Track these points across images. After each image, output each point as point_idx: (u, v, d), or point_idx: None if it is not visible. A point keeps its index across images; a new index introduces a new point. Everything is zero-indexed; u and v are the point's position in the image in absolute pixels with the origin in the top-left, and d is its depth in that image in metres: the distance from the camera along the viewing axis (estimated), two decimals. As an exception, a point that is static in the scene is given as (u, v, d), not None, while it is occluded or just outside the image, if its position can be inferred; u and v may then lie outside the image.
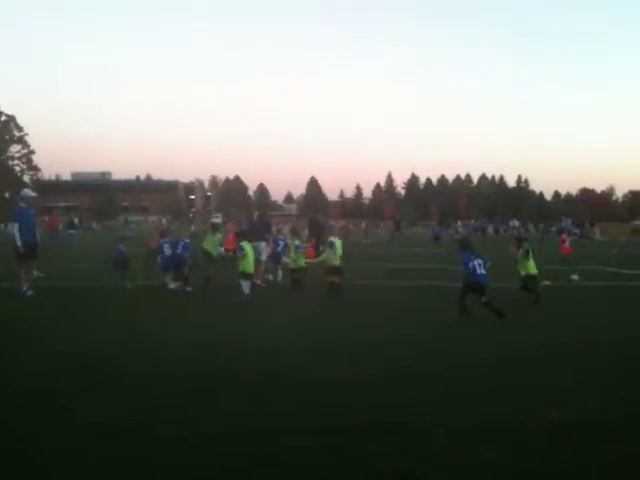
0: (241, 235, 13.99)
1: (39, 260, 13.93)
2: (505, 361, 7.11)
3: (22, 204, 13.52)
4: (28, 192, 14.27)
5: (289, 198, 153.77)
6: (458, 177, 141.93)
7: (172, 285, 13.72)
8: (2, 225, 65.35)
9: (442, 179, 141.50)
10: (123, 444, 4.43)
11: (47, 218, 34.30)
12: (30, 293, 12.52)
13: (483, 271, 10.20)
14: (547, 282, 14.89)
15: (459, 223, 70.52)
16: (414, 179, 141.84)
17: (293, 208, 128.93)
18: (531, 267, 12.31)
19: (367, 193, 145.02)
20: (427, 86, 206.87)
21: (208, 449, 4.32)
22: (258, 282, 14.60)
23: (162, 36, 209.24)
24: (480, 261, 10.25)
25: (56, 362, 6.90)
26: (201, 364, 6.78)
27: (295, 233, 15.57)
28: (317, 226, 26.40)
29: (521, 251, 12.47)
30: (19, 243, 12.80)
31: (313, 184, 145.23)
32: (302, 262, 14.23)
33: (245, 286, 12.29)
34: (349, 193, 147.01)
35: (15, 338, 8.22)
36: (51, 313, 10.33)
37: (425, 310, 10.90)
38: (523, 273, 12.28)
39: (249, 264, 12.58)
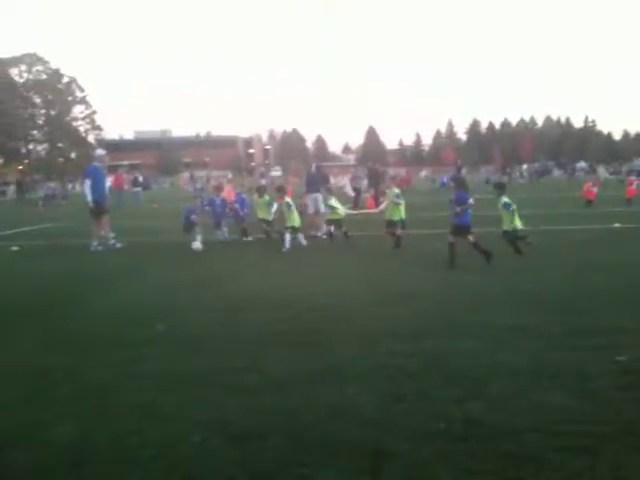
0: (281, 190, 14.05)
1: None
2: (569, 306, 6.94)
3: (95, 163, 14.00)
4: (101, 152, 14.76)
5: (347, 148, 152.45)
6: (522, 120, 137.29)
7: (197, 245, 12.87)
8: (70, 185, 67.51)
9: (505, 123, 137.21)
10: (191, 392, 4.59)
11: (112, 177, 35.23)
12: (100, 249, 13.05)
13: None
14: (617, 224, 14.45)
15: (524, 167, 68.31)
16: (476, 124, 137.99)
17: (351, 158, 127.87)
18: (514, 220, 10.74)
19: (427, 140, 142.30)
20: (487, 26, 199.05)
21: (278, 397, 4.44)
22: (318, 234, 14.65)
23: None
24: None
25: (125, 313, 7.23)
26: (269, 314, 6.92)
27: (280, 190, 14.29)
28: (376, 176, 26.16)
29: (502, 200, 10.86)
30: (89, 199, 13.33)
31: (371, 133, 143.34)
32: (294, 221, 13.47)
33: (287, 240, 12.60)
34: (408, 141, 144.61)
35: (86, 290, 8.58)
36: (120, 267, 10.72)
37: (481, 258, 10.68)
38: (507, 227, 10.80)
39: (293, 218, 13.22)
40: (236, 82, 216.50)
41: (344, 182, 39.10)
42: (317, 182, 16.30)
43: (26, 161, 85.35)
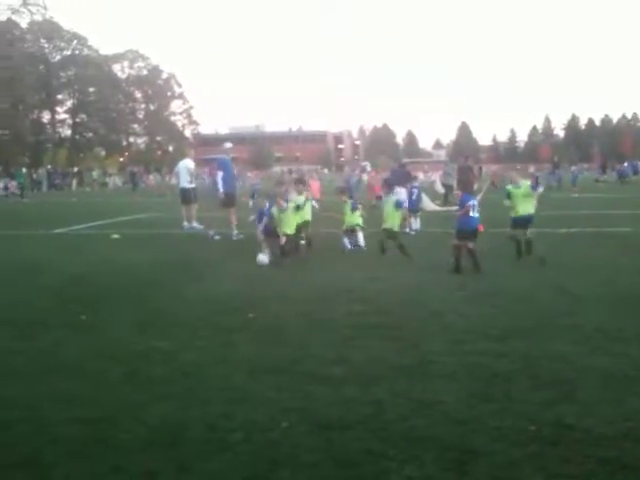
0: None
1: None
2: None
3: (224, 155, 14.52)
4: (229, 145, 15.26)
5: (438, 144, 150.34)
6: (624, 116, 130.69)
7: (263, 258, 10.45)
8: (167, 177, 70.17)
9: (605, 119, 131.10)
10: (279, 379, 4.69)
11: (208, 169, 36.33)
12: (217, 238, 13.68)
13: (476, 214, 9.44)
14: None
15: (624, 164, 64.81)
16: (574, 120, 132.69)
17: (442, 154, 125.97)
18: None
19: (522, 137, 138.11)
20: (587, 18, 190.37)
21: (363, 389, 4.46)
22: (406, 230, 14.55)
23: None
24: (474, 203, 9.47)
25: (217, 300, 7.48)
26: (353, 307, 6.96)
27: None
28: (467, 172, 25.64)
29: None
30: (221, 191, 13.72)
31: (463, 129, 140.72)
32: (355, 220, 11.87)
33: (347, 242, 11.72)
34: (502, 137, 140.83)
35: (182, 277, 8.91)
36: (214, 256, 11.07)
37: (571, 258, 10.28)
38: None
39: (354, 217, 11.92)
40: (328, 78, 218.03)
41: (434, 178, 38.61)
42: (400, 179, 16.15)
43: (126, 153, 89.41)
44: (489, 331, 5.91)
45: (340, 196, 12.71)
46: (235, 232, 13.85)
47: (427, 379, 4.67)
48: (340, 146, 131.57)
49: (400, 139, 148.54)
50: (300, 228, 10.96)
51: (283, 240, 10.36)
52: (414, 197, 15.53)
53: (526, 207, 10.09)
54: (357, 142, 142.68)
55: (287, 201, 10.60)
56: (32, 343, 5.87)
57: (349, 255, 11.27)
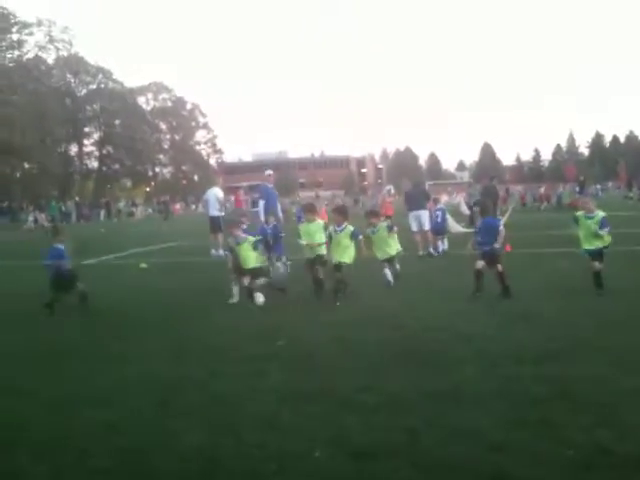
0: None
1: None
2: None
3: (267, 183, 14.53)
4: (269, 172, 15.12)
5: (461, 165, 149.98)
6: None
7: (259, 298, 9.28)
8: (193, 206, 70.95)
9: (631, 135, 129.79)
10: (311, 407, 4.67)
11: (233, 197, 36.68)
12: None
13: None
14: None
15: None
16: (598, 138, 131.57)
17: (465, 175, 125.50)
18: None
19: (546, 156, 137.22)
20: (610, 36, 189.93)
21: (396, 416, 4.42)
22: (420, 253, 14.42)
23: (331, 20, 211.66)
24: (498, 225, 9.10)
25: (247, 327, 7.52)
26: (384, 333, 6.93)
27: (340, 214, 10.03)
28: (492, 193, 25.54)
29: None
30: (262, 218, 13.49)
31: (486, 149, 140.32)
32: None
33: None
34: (526, 157, 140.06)
35: (210, 304, 8.94)
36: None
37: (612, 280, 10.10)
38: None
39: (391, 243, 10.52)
40: (349, 103, 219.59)
41: (458, 200, 38.52)
42: (418, 199, 16.09)
43: (153, 183, 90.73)
44: (523, 355, 5.82)
45: (372, 219, 10.71)
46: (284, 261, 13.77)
47: (461, 405, 4.61)
48: (363, 170, 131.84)
49: (423, 161, 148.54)
50: (313, 263, 9.62)
51: (246, 279, 9.33)
52: (439, 219, 15.46)
53: (594, 240, 8.80)
54: (380, 166, 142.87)
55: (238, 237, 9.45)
56: (64, 373, 5.94)
57: (379, 283, 11.07)
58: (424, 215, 15.27)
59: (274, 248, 12.20)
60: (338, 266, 9.29)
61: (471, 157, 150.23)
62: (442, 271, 12.14)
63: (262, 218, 13.50)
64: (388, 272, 10.35)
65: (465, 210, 26.21)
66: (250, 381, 5.41)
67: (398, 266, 10.73)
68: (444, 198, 24.64)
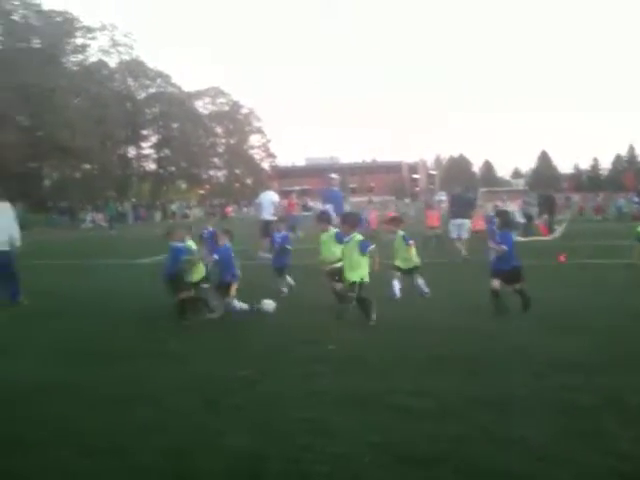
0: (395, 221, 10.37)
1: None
2: None
3: (333, 187, 14.31)
4: (334, 175, 14.95)
5: (517, 173, 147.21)
6: None
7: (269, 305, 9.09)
8: (245, 209, 71.80)
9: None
10: (360, 412, 4.71)
11: (285, 201, 36.96)
12: None
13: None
14: None
15: None
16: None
17: (520, 183, 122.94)
18: None
19: (606, 164, 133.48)
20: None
21: (445, 423, 4.43)
22: (464, 253, 14.35)
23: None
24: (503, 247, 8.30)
25: (298, 329, 7.60)
26: (435, 338, 6.95)
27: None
28: (549, 202, 25.08)
29: None
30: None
31: (543, 157, 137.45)
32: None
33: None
34: (584, 165, 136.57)
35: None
36: (298, 285, 11.17)
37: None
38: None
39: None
40: (403, 108, 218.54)
41: (513, 208, 37.81)
42: (463, 207, 15.77)
43: (207, 186, 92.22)
44: (572, 364, 5.74)
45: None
46: None
47: (509, 414, 4.58)
48: (415, 176, 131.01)
49: (477, 168, 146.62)
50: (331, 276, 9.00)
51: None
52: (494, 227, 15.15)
53: None
54: (432, 172, 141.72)
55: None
56: (117, 372, 6.11)
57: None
58: (465, 225, 15.11)
59: (277, 260, 10.99)
60: (351, 285, 8.07)
61: (527, 164, 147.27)
62: (480, 277, 11.96)
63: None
64: (397, 284, 9.61)
65: (520, 218, 25.75)
66: (300, 383, 5.48)
67: (420, 280, 9.88)
68: (499, 206, 24.12)
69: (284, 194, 45.34)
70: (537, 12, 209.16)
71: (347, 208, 14.23)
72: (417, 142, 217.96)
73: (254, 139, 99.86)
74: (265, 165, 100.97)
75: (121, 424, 4.67)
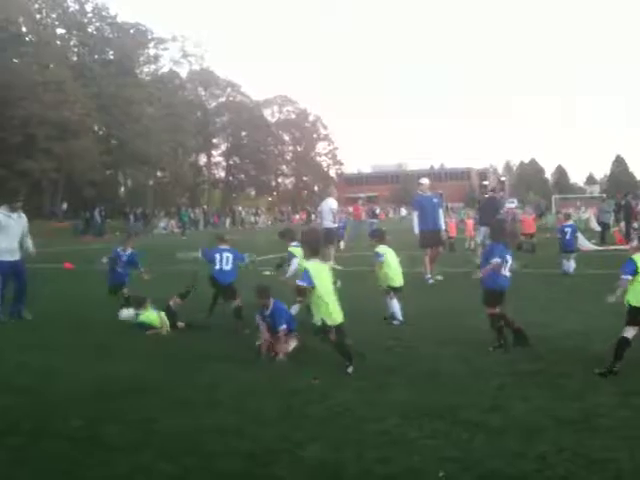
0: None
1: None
2: None
3: (421, 192, 13.36)
4: (424, 180, 13.91)
5: (591, 179, 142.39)
6: None
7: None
8: (313, 216, 72.37)
9: None
10: (434, 426, 4.60)
11: (351, 208, 37.02)
12: (431, 282, 12.66)
13: (507, 273, 7.25)
14: None
15: None
16: None
17: (595, 190, 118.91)
18: None
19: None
20: None
21: (524, 441, 4.27)
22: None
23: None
24: (509, 258, 7.24)
25: (368, 339, 7.46)
26: (511, 353, 6.74)
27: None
28: (626, 209, 24.12)
29: None
30: (416, 231, 12.79)
31: (619, 162, 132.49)
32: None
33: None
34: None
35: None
36: (365, 294, 11.08)
37: None
38: None
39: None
40: (471, 113, 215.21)
41: (587, 215, 36.63)
42: (489, 212, 15.15)
43: (275, 193, 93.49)
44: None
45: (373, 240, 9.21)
46: (428, 276, 12.70)
47: (595, 433, 4.37)
48: (484, 182, 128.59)
49: (549, 174, 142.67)
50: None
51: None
52: (568, 236, 14.54)
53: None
54: (502, 178, 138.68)
55: None
56: (195, 377, 6.21)
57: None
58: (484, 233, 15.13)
59: None
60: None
61: (601, 170, 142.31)
62: (575, 291, 11.56)
63: (416, 231, 12.77)
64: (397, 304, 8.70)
65: (596, 226, 24.90)
66: (373, 395, 5.41)
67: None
68: (572, 213, 23.22)
69: (350, 201, 45.43)
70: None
71: (440, 214, 13.08)
72: (486, 148, 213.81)
73: (321, 146, 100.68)
74: (332, 172, 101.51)
75: (202, 429, 4.72)
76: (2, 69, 46.20)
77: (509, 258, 7.25)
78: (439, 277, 13.08)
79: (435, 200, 13.11)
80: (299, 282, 6.27)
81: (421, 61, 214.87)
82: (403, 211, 53.40)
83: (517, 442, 4.26)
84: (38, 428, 4.80)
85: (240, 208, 69.09)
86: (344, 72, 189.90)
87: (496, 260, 7.07)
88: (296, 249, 8.93)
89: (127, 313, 9.25)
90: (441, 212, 13.06)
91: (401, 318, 8.58)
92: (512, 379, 5.76)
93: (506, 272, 7.21)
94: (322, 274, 6.26)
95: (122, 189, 69.70)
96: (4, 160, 46.50)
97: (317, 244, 6.61)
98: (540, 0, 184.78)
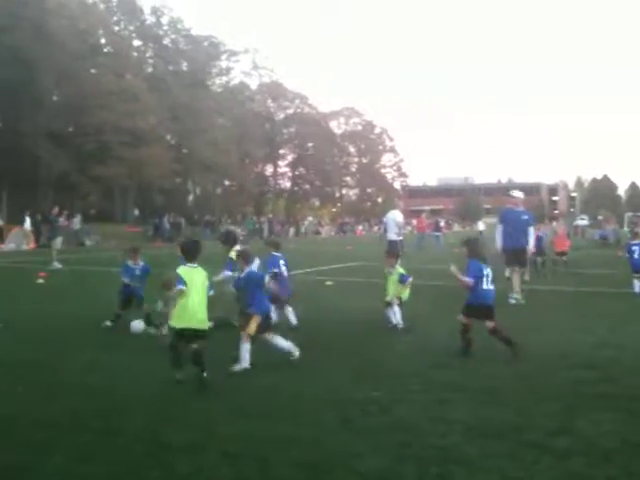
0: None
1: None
2: None
3: (510, 206, 12.41)
4: (516, 193, 12.83)
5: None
6: None
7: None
8: (376, 227, 72.11)
9: None
10: (497, 445, 4.47)
11: (415, 221, 36.72)
12: (513, 302, 11.51)
13: (491, 286, 7.41)
14: None
15: None
16: None
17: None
18: None
19: None
20: None
21: (595, 466, 4.09)
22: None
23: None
24: (488, 272, 7.41)
25: (426, 352, 7.42)
26: (580, 373, 6.48)
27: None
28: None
29: None
30: (498, 245, 11.94)
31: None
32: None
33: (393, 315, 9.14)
34: None
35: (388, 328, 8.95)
36: (421, 309, 10.94)
37: None
38: None
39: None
40: (540, 127, 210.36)
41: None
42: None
43: (339, 204, 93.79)
44: None
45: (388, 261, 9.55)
46: (514, 296, 11.57)
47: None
48: (554, 198, 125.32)
49: (622, 191, 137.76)
50: None
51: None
52: (636, 255, 13.68)
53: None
54: (573, 194, 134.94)
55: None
56: (254, 382, 6.25)
57: (571, 316, 10.42)
58: None
59: None
60: None
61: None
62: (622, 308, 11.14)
63: (498, 245, 11.87)
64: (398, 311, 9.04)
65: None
66: (433, 410, 5.31)
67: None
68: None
69: (414, 214, 45.09)
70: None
71: (529, 232, 11.92)
72: (557, 163, 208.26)
73: (386, 158, 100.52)
74: (396, 184, 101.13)
75: (261, 434, 4.74)
76: (80, 78, 48.22)
77: (489, 272, 7.43)
78: (520, 298, 11.74)
79: (525, 217, 12.09)
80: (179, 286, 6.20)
81: (493, 73, 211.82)
82: (481, 225, 51.44)
83: (585, 466, 4.08)
84: (105, 426, 4.93)
85: (310, 219, 69.68)
86: (414, 85, 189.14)
87: (469, 280, 7.35)
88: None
89: (138, 326, 8.84)
90: (531, 230, 11.98)
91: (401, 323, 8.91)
92: (579, 400, 5.54)
93: (489, 286, 7.40)
94: (193, 278, 6.28)
95: (191, 197, 71.38)
96: (79, 166, 48.51)
97: (195, 251, 6.60)
98: None
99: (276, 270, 8.97)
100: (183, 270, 6.30)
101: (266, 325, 6.93)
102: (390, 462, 4.19)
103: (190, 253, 6.56)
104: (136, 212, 56.98)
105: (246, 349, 6.72)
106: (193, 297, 6.17)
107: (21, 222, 34.42)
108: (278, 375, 6.47)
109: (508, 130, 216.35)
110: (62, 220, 24.75)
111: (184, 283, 6.15)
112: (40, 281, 15.34)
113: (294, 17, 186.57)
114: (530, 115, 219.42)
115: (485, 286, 7.37)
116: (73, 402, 5.58)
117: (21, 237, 33.30)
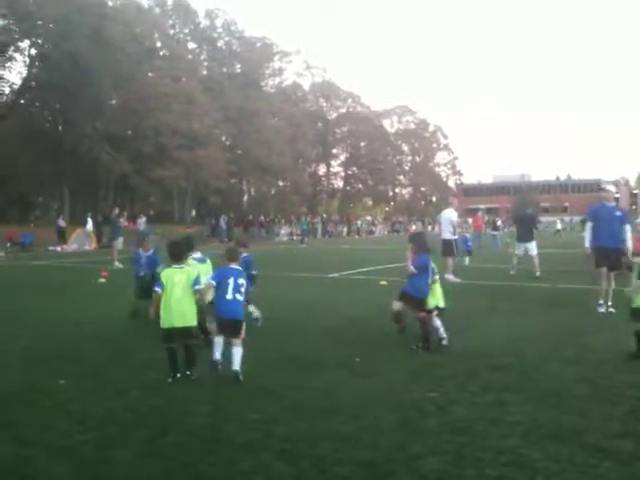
0: None
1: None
2: None
3: (604, 202, 11.15)
4: (610, 187, 12.25)
5: None
6: None
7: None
8: (430, 227, 71.56)
9: None
10: (557, 448, 4.41)
11: (471, 220, 36.22)
12: (602, 311, 10.52)
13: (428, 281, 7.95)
14: None
15: None
16: None
17: None
18: None
19: None
20: None
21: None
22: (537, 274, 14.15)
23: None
24: (432, 266, 7.99)
25: (482, 353, 7.30)
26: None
27: None
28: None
29: None
30: (587, 245, 10.92)
31: None
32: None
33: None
34: None
35: (453, 329, 8.87)
36: (476, 308, 10.82)
37: None
38: None
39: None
40: (599, 122, 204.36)
41: None
42: (527, 228, 15.89)
43: (392, 203, 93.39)
44: None
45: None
46: (601, 303, 10.52)
47: None
48: (616, 195, 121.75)
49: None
50: None
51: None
52: None
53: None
54: (635, 191, 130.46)
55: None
56: (312, 381, 6.30)
57: (616, 314, 9.98)
58: (532, 249, 15.75)
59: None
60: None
61: None
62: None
63: (587, 244, 10.84)
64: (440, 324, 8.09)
65: None
66: (491, 412, 5.26)
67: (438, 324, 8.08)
68: None
69: (469, 212, 44.51)
70: None
71: (625, 230, 10.59)
72: (618, 159, 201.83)
73: (440, 156, 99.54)
74: (451, 183, 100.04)
75: (319, 433, 4.80)
76: (137, 82, 49.49)
77: (432, 267, 8.00)
78: (611, 309, 10.48)
79: (618, 213, 10.88)
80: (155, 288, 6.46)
81: (549, 71, 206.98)
82: (558, 224, 49.63)
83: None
84: (164, 423, 5.07)
85: (368, 218, 69.65)
86: (468, 82, 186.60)
87: (411, 269, 7.98)
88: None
89: None
90: (628, 228, 10.71)
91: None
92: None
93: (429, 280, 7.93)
94: (174, 278, 6.38)
95: (245, 197, 72.33)
96: (138, 167, 49.83)
97: (177, 252, 6.68)
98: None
99: (254, 272, 9.25)
100: (165, 272, 6.53)
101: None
102: (449, 463, 4.19)
103: (173, 254, 6.66)
104: (193, 213, 58.10)
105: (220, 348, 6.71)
106: (175, 297, 6.30)
107: (83, 223, 35.61)
108: (336, 375, 6.51)
109: (566, 127, 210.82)
110: (122, 221, 25.40)
111: (162, 286, 6.37)
112: (102, 280, 15.83)
113: (345, 16, 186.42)
114: (590, 112, 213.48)
115: (422, 281, 7.89)
116: (131, 398, 5.77)
117: (83, 238, 34.48)
